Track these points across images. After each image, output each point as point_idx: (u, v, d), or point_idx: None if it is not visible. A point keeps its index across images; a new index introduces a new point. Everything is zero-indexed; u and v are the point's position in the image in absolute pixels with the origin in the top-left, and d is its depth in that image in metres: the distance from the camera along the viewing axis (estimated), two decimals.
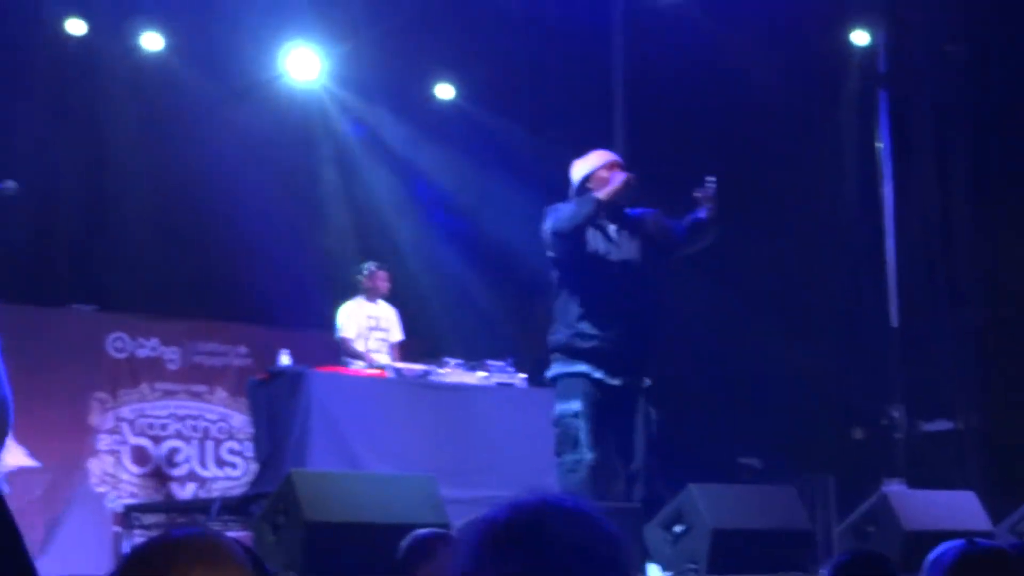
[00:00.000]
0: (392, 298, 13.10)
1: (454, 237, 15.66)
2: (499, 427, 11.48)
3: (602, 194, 9.03)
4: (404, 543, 6.07)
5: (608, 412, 8.98)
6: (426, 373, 11.70)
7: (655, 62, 14.92)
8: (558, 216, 9.03)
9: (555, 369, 9.07)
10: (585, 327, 8.95)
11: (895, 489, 11.48)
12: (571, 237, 9.03)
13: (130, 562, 2.25)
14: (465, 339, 14.53)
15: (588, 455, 8.82)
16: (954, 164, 14.85)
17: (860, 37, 15.21)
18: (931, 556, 3.91)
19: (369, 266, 12.94)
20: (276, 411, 11.13)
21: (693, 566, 8.30)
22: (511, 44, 15.03)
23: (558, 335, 9.05)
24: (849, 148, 15.46)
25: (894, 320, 14.34)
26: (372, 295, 12.81)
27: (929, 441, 14.23)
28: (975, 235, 14.65)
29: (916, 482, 12.77)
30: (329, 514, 7.38)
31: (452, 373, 11.77)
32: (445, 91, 16.13)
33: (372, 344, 12.64)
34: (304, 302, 13.49)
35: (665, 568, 8.41)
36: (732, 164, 14.90)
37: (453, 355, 12.27)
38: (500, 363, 11.98)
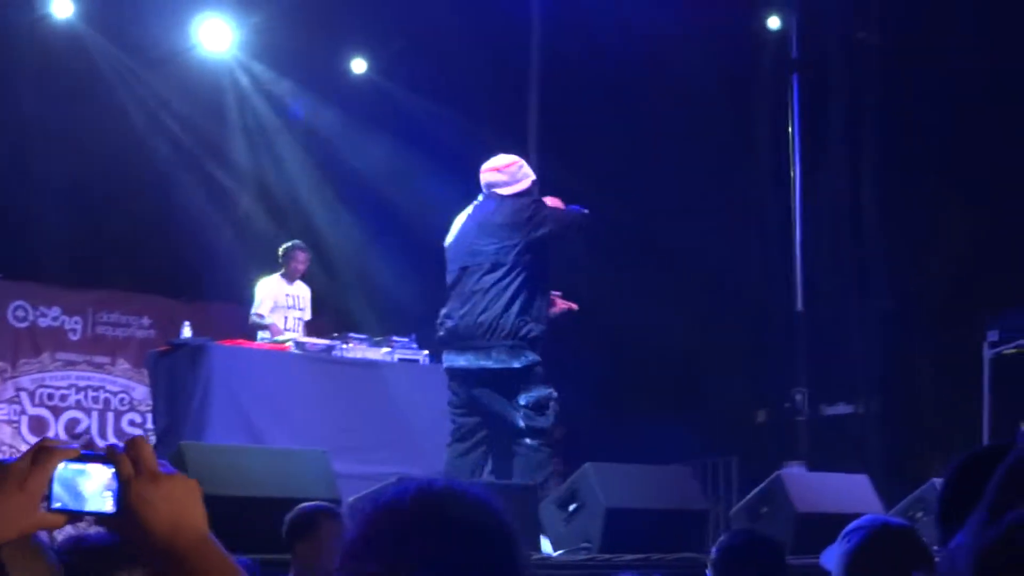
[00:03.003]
0: (303, 274, 13.03)
1: (365, 213, 15.58)
2: (401, 403, 11.42)
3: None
4: (288, 516, 6.08)
5: None
6: (329, 348, 11.63)
7: (571, 40, 14.92)
8: (571, 219, 9.41)
9: (531, 358, 9.15)
10: (546, 321, 9.26)
11: (790, 471, 11.57)
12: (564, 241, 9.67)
13: None
14: (374, 316, 14.49)
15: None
16: (864, 151, 14.95)
17: (774, 22, 15.29)
18: (847, 528, 4.06)
19: (289, 246, 12.83)
20: (176, 384, 11.01)
21: (587, 544, 8.31)
22: (425, 18, 14.94)
23: (532, 328, 9.14)
24: (761, 132, 15.53)
25: (799, 304, 14.43)
26: (291, 275, 12.73)
27: (830, 425, 14.39)
28: (882, 223, 14.76)
29: (817, 465, 12.89)
30: (220, 488, 7.24)
31: (355, 348, 11.71)
32: (358, 65, 16.05)
33: (290, 323, 12.56)
34: (210, 274, 13.40)
35: (559, 546, 8.41)
36: (645, 143, 14.98)
37: (362, 332, 12.23)
38: (404, 339, 11.93)
